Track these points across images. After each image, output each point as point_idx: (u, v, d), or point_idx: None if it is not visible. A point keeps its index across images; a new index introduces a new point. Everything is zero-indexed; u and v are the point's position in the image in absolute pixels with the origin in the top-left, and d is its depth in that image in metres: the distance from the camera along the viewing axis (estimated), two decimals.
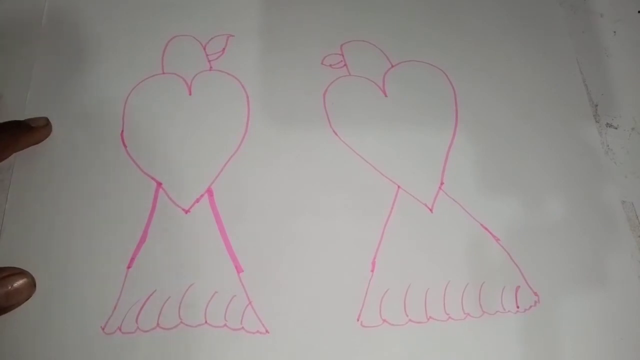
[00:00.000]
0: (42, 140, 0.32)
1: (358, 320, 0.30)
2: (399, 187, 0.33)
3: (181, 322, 0.29)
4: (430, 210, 0.32)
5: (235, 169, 0.32)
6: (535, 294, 0.31)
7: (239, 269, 0.30)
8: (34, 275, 0.29)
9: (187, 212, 0.31)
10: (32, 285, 0.29)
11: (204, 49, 0.36)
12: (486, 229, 0.32)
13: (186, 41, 0.36)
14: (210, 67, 0.35)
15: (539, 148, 0.34)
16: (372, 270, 0.31)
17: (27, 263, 0.29)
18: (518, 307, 0.30)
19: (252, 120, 0.34)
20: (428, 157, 0.34)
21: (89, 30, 0.36)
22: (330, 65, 0.36)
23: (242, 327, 0.29)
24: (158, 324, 0.29)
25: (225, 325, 0.29)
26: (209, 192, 0.32)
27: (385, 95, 0.35)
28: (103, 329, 0.28)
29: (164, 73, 0.35)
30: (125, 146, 0.32)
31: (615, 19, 0.39)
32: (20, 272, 0.28)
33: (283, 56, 0.36)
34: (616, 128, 0.36)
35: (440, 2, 0.38)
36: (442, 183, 0.33)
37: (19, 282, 0.28)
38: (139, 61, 0.35)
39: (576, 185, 0.34)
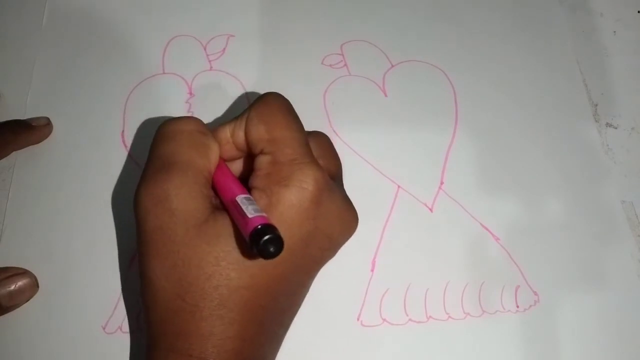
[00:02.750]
0: (43, 139, 0.32)
1: (358, 319, 0.30)
2: (399, 187, 0.33)
3: None
4: (430, 210, 0.32)
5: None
6: (535, 293, 0.31)
7: None
8: (34, 274, 0.29)
9: None
10: (34, 285, 0.29)
11: (204, 49, 0.36)
12: (486, 228, 0.32)
13: (186, 41, 0.36)
14: (211, 67, 0.35)
15: (539, 148, 0.34)
16: (372, 270, 0.31)
17: (27, 262, 0.29)
18: (518, 306, 0.30)
19: None
20: (428, 157, 0.34)
21: (89, 30, 0.36)
22: (330, 65, 0.36)
23: None
24: None
25: None
26: None
27: (385, 95, 0.35)
28: (104, 329, 0.28)
29: (164, 73, 0.35)
30: (125, 146, 0.33)
31: (615, 19, 0.39)
32: (23, 272, 0.28)
33: (283, 56, 0.36)
34: (616, 128, 0.36)
35: (440, 2, 0.38)
36: (442, 183, 0.33)
37: (22, 282, 0.28)
38: (139, 61, 0.35)
39: (576, 185, 0.34)
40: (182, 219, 0.23)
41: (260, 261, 0.22)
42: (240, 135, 0.25)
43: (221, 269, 0.22)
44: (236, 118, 0.26)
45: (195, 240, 0.22)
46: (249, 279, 0.23)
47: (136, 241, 0.24)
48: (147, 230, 0.23)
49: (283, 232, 0.21)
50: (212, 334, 0.22)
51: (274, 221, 0.22)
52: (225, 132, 0.26)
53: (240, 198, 0.22)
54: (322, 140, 0.27)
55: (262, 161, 0.24)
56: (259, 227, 0.20)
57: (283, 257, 0.22)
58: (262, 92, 0.34)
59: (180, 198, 0.23)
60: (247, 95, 0.34)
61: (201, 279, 0.22)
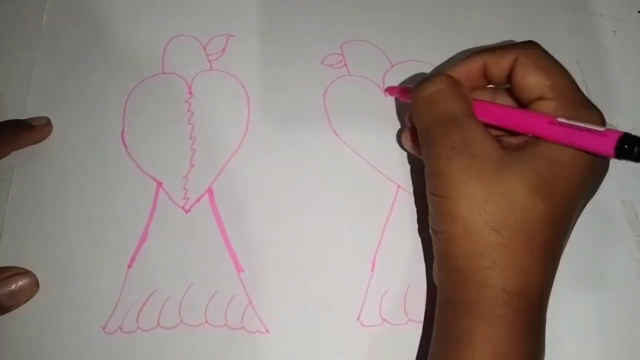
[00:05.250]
0: (43, 139, 0.32)
1: (358, 319, 0.30)
2: (399, 186, 0.33)
3: (181, 321, 0.29)
4: None
5: (235, 169, 0.32)
6: None
7: (239, 269, 0.30)
8: (34, 274, 0.29)
9: (187, 212, 0.31)
10: (35, 285, 0.29)
11: (204, 48, 0.36)
12: None
13: (186, 41, 0.36)
14: (211, 67, 0.35)
15: None
16: (372, 270, 0.31)
17: (27, 263, 0.29)
18: None
19: (252, 120, 0.34)
20: None
21: (89, 30, 0.36)
22: (330, 65, 0.36)
23: (243, 327, 0.29)
24: (158, 324, 0.29)
25: (225, 324, 0.29)
26: (209, 192, 0.32)
27: (385, 95, 0.35)
28: (104, 329, 0.28)
29: (164, 73, 0.35)
30: (125, 146, 0.33)
31: (615, 19, 0.39)
32: (23, 272, 0.29)
33: (283, 56, 0.36)
34: (616, 128, 0.36)
35: (440, 2, 0.38)
36: None
37: (22, 282, 0.28)
38: (139, 61, 0.35)
39: None
40: (486, 161, 0.24)
41: (558, 193, 0.24)
42: (497, 70, 0.27)
43: (534, 202, 0.24)
44: (491, 50, 0.27)
45: (505, 176, 0.24)
46: (554, 212, 0.24)
47: (432, 187, 0.26)
48: (453, 173, 0.25)
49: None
50: (524, 269, 0.24)
51: None
52: (479, 61, 0.28)
53: (562, 120, 0.24)
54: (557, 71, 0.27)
55: (547, 106, 0.25)
56: (622, 136, 0.22)
57: (584, 182, 0.25)
58: (261, 91, 0.35)
59: (478, 144, 0.25)
60: (247, 95, 0.34)
61: (515, 212, 0.24)
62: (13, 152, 0.32)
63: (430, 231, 0.27)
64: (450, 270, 0.26)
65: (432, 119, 0.26)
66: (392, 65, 0.36)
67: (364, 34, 0.37)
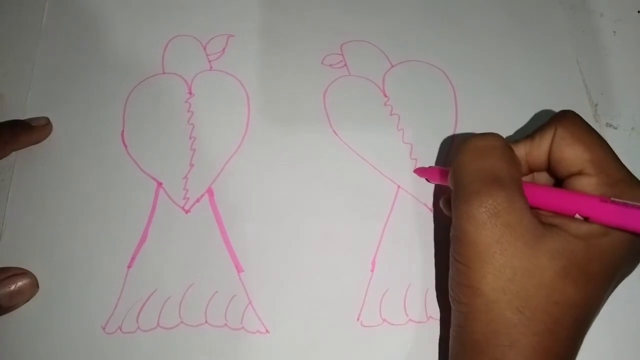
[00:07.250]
0: (43, 139, 0.32)
1: (358, 319, 0.30)
2: (399, 187, 0.33)
3: (182, 321, 0.29)
4: (430, 210, 0.32)
5: (235, 169, 0.32)
6: None
7: (239, 269, 0.30)
8: (34, 275, 0.29)
9: (187, 212, 0.31)
10: (34, 285, 0.29)
11: (204, 49, 0.36)
12: None
13: (186, 41, 0.36)
14: (211, 67, 0.35)
15: None
16: (372, 270, 0.31)
17: (27, 263, 0.29)
18: None
19: (252, 120, 0.34)
20: (428, 157, 0.34)
21: (89, 30, 0.36)
22: (330, 65, 0.36)
23: (242, 327, 0.29)
24: (158, 324, 0.29)
25: (225, 325, 0.29)
26: (209, 192, 0.32)
27: (385, 96, 0.35)
28: (104, 329, 0.28)
29: (164, 73, 0.35)
30: (125, 146, 0.33)
31: (615, 19, 0.39)
32: (23, 273, 0.29)
33: (283, 56, 0.36)
34: (616, 128, 0.36)
35: (440, 2, 0.38)
36: None
37: (22, 283, 0.28)
38: (139, 61, 0.35)
39: None
40: (520, 233, 0.23)
41: (590, 278, 0.23)
42: (539, 155, 0.26)
43: (563, 285, 0.22)
44: (530, 137, 0.26)
45: (536, 253, 0.23)
46: (584, 297, 0.23)
47: (456, 252, 0.24)
48: (481, 243, 0.23)
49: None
50: (544, 350, 0.23)
51: None
52: (520, 150, 0.26)
53: (616, 200, 0.22)
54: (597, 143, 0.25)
55: (588, 183, 0.24)
56: None
57: (619, 268, 0.23)
58: (261, 91, 0.35)
59: (515, 212, 0.23)
60: (247, 95, 0.34)
61: (541, 293, 0.22)
62: (13, 152, 0.32)
63: (450, 298, 0.26)
64: (466, 342, 0.24)
65: (475, 171, 0.24)
66: (392, 66, 0.36)
67: (364, 34, 0.37)
